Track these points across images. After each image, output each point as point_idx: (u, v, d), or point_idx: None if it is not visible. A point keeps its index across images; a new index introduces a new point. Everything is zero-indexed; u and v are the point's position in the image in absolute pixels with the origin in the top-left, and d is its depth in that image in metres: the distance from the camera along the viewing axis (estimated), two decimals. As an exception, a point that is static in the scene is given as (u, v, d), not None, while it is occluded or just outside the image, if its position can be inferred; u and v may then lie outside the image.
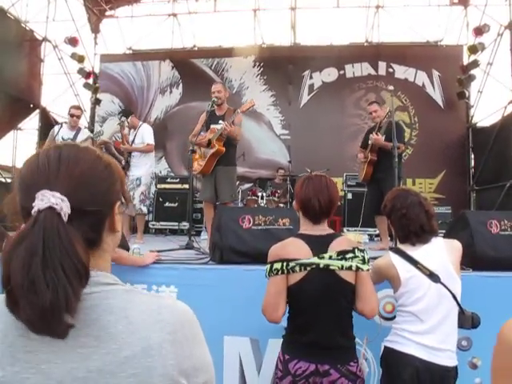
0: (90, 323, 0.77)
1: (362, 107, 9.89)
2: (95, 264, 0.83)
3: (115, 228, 0.91)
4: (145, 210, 6.00)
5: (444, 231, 3.82)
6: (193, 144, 4.86)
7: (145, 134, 5.96)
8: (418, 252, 2.28)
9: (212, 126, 5.17)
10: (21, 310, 0.71)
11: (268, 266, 2.09)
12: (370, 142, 5.34)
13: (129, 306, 0.82)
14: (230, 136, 5.03)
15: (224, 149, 5.05)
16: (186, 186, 8.41)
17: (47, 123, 9.98)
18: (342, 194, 8.35)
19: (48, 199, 0.76)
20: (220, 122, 5.06)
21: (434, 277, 2.19)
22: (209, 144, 5.10)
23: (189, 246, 4.45)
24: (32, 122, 10.17)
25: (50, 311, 0.70)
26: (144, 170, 5.92)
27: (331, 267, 2.03)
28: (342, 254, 2.06)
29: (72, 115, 5.95)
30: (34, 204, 0.77)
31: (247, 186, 9.53)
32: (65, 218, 0.76)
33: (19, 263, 0.71)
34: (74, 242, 0.75)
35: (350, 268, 2.05)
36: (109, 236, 0.90)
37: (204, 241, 5.33)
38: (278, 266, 2.05)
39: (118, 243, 0.96)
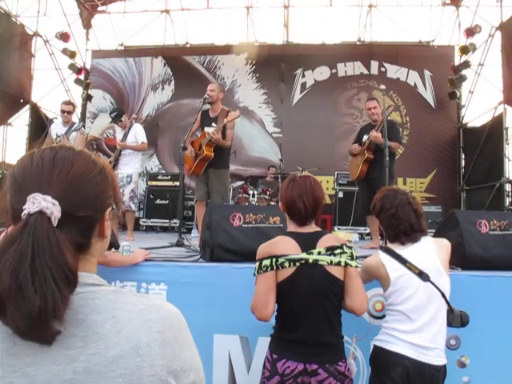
0: (76, 324, 0.75)
1: (354, 106, 9.94)
2: (82, 267, 0.83)
3: (104, 234, 0.90)
4: (134, 207, 6.03)
5: (434, 230, 3.84)
6: (184, 143, 4.89)
7: (138, 133, 5.97)
8: (407, 251, 2.28)
9: (205, 129, 5.25)
10: (8, 315, 0.70)
11: (257, 263, 2.09)
12: (365, 139, 5.29)
13: (116, 305, 0.80)
14: (217, 143, 5.09)
15: (212, 154, 5.12)
16: (177, 184, 8.38)
17: (38, 119, 9.93)
18: (333, 192, 8.38)
19: (39, 203, 0.75)
20: (213, 124, 5.15)
21: (423, 275, 2.20)
22: (200, 148, 5.17)
23: (179, 244, 4.44)
24: (22, 118, 10.11)
25: (38, 317, 0.70)
26: (134, 168, 5.98)
27: (320, 262, 2.03)
28: (330, 250, 2.06)
29: (63, 111, 5.89)
30: (24, 207, 0.75)
31: (238, 183, 9.51)
32: (55, 223, 0.75)
33: (8, 267, 0.71)
34: (63, 248, 0.74)
35: (338, 264, 2.05)
36: (98, 241, 0.89)
37: (195, 238, 5.32)
38: (267, 262, 2.04)
39: (105, 249, 0.95)
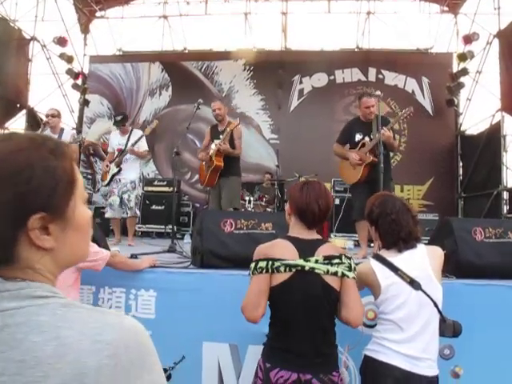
0: (13, 345, 0.64)
1: (352, 113, 9.86)
2: (32, 277, 0.72)
3: (37, 245, 0.72)
4: (138, 212, 6.22)
5: (429, 238, 3.78)
6: (177, 148, 4.94)
7: (140, 142, 6.00)
8: (398, 258, 2.22)
9: (215, 141, 5.54)
10: None
11: (253, 263, 2.05)
12: (361, 138, 4.97)
13: (63, 323, 0.67)
14: (226, 152, 5.41)
15: (222, 164, 5.44)
16: (174, 189, 8.33)
17: (34, 123, 9.86)
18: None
19: None
20: (220, 136, 5.45)
21: (414, 284, 2.14)
22: (210, 159, 5.45)
23: (171, 250, 4.40)
24: (18, 122, 10.06)
25: None
26: (136, 174, 6.07)
27: (316, 271, 1.99)
28: (328, 259, 2.03)
29: (46, 115, 5.83)
30: None
31: (235, 189, 9.46)
32: None
33: None
34: None
35: (335, 274, 2.01)
36: (36, 253, 0.73)
37: (188, 244, 5.28)
38: (262, 264, 2.01)
39: (63, 262, 0.78)
